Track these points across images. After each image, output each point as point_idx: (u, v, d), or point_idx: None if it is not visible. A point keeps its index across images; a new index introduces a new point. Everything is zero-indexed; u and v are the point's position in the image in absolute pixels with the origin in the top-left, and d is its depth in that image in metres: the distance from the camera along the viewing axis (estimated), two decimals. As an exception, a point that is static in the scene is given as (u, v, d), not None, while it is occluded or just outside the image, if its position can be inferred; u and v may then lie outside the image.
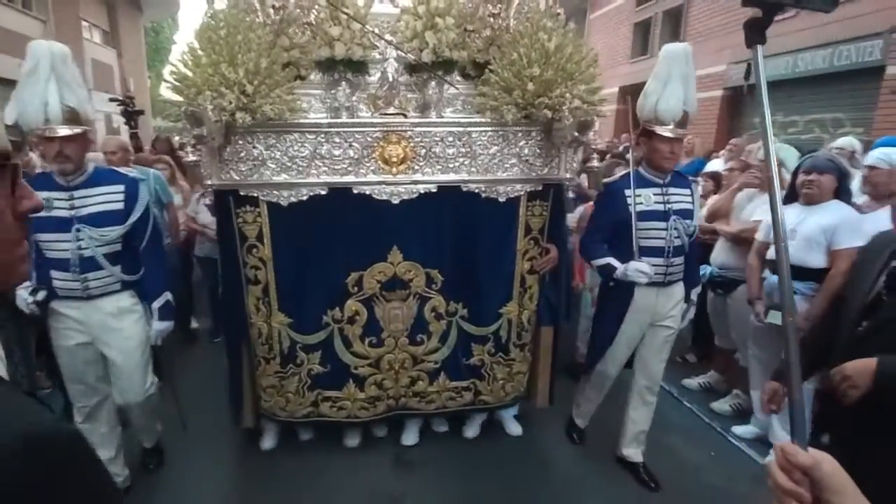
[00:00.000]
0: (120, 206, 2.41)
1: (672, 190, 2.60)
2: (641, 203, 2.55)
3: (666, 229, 2.57)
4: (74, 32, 12.14)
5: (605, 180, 2.73)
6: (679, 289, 2.72)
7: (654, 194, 2.58)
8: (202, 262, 4.26)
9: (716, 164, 5.26)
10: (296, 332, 2.71)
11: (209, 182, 2.45)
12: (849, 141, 4.79)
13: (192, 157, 2.33)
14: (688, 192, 2.65)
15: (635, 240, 2.52)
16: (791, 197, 2.95)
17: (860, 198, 3.12)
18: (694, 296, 2.79)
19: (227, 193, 2.50)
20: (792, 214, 2.87)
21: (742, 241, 3.35)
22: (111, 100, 8.49)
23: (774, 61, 9.71)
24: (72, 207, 2.32)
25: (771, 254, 2.97)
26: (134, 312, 2.51)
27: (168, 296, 2.58)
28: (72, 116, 2.23)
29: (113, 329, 2.45)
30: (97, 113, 11.28)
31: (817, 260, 2.75)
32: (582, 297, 3.91)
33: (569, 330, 3.63)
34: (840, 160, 3.00)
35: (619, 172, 2.92)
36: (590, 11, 16.80)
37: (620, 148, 6.43)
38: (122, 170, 2.70)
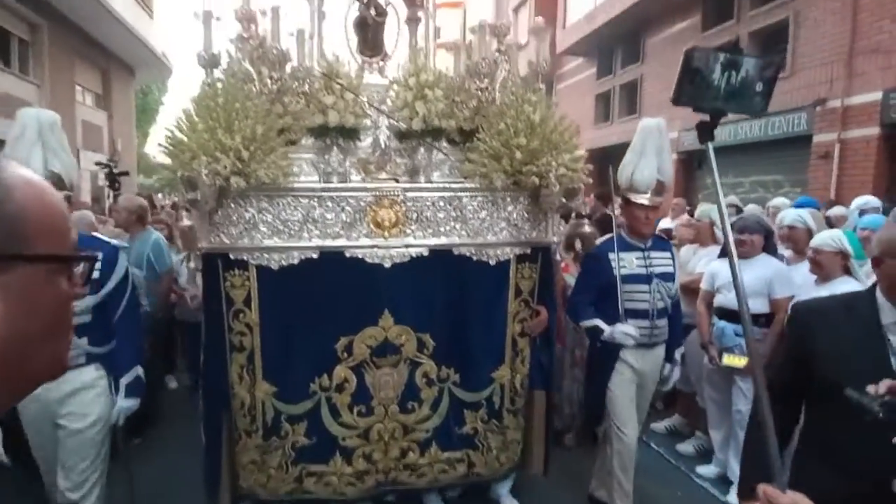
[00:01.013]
0: (95, 275, 2.26)
1: (654, 254, 2.63)
2: (625, 267, 2.55)
3: (649, 292, 2.58)
4: (68, 96, 12.07)
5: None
6: (664, 349, 2.72)
7: (637, 258, 2.60)
8: (181, 326, 4.04)
9: (665, 222, 5.59)
10: (281, 401, 2.50)
11: (199, 245, 2.34)
12: (781, 201, 5.43)
13: (186, 222, 2.23)
14: (668, 255, 2.68)
15: (621, 302, 2.51)
16: (724, 252, 3.17)
17: (787, 251, 3.53)
18: (678, 355, 2.79)
19: (216, 257, 2.38)
20: (727, 268, 3.08)
21: (689, 290, 3.57)
22: (97, 163, 8.40)
23: (718, 130, 10.26)
24: None
25: (717, 301, 3.23)
26: (95, 388, 2.27)
27: (139, 370, 2.36)
28: (56, 182, 2.13)
29: (70, 406, 2.22)
30: (84, 172, 11.09)
31: (760, 307, 3.07)
32: (563, 359, 3.85)
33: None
34: (766, 221, 3.40)
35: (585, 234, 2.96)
36: (557, 83, 17.53)
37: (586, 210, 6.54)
38: (103, 237, 2.56)
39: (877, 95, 8.13)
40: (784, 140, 9.69)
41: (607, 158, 2.77)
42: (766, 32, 10.18)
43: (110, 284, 2.28)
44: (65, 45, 11.71)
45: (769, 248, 3.26)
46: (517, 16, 17.43)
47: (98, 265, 2.25)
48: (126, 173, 8.05)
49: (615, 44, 14.19)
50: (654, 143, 2.55)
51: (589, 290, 2.67)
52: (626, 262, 2.58)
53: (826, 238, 2.89)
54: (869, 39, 8.27)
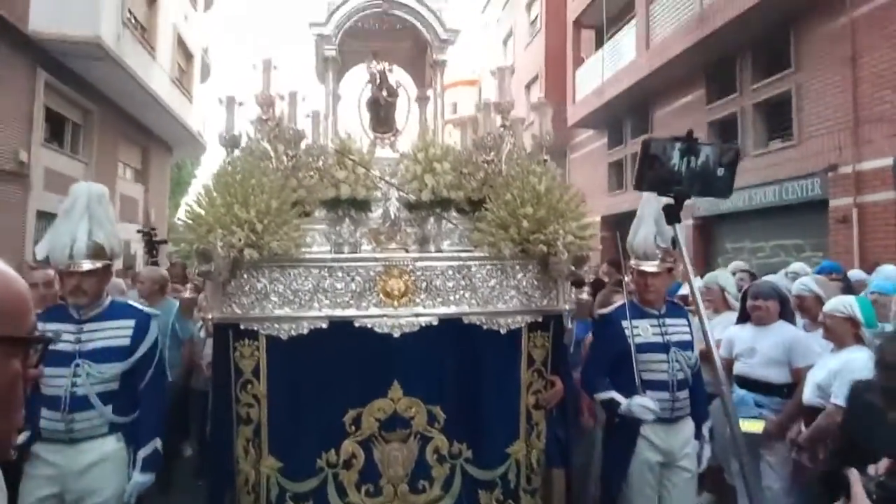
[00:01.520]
0: (126, 341, 2.27)
1: (669, 321, 2.52)
2: (640, 335, 2.44)
3: (667, 361, 2.44)
4: (111, 172, 12.75)
5: (601, 311, 2.65)
6: (688, 425, 2.51)
7: (651, 325, 2.49)
8: (195, 395, 3.96)
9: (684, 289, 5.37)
10: (286, 478, 2.38)
11: (210, 315, 2.33)
12: (800, 266, 5.28)
13: (187, 294, 2.25)
14: (684, 321, 2.56)
15: (637, 373, 2.38)
16: (743, 318, 3.23)
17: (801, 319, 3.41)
18: (706, 431, 2.57)
19: (227, 327, 2.36)
20: (747, 334, 3.13)
21: (706, 358, 3.32)
22: (138, 231, 8.69)
23: (732, 197, 10.24)
24: (77, 341, 2.18)
25: (736, 369, 3.11)
26: (115, 460, 2.21)
27: (157, 443, 2.30)
28: (97, 251, 2.22)
29: (87, 480, 2.14)
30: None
31: (780, 376, 2.97)
32: (594, 436, 3.62)
33: (581, 471, 3.24)
34: (779, 286, 3.29)
35: (618, 301, 2.86)
36: (570, 153, 17.93)
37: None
38: (137, 304, 2.59)
39: (887, 161, 8.10)
40: (800, 205, 9.58)
41: (622, 225, 2.76)
42: (770, 104, 10.35)
43: (140, 351, 2.28)
44: (111, 127, 12.50)
45: (787, 315, 3.15)
46: (529, 92, 18.13)
47: (130, 332, 2.27)
48: (165, 241, 8.29)
49: (624, 116, 14.53)
50: (651, 209, 2.52)
51: (603, 360, 2.55)
52: (641, 330, 2.47)
53: (836, 304, 2.76)
54: (872, 109, 8.35)
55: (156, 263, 7.41)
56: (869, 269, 5.29)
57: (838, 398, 2.42)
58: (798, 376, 2.93)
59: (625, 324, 2.47)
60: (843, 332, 2.67)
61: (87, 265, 2.17)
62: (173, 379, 3.62)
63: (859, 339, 2.64)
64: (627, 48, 13.19)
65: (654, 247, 2.50)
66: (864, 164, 8.46)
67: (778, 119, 10.26)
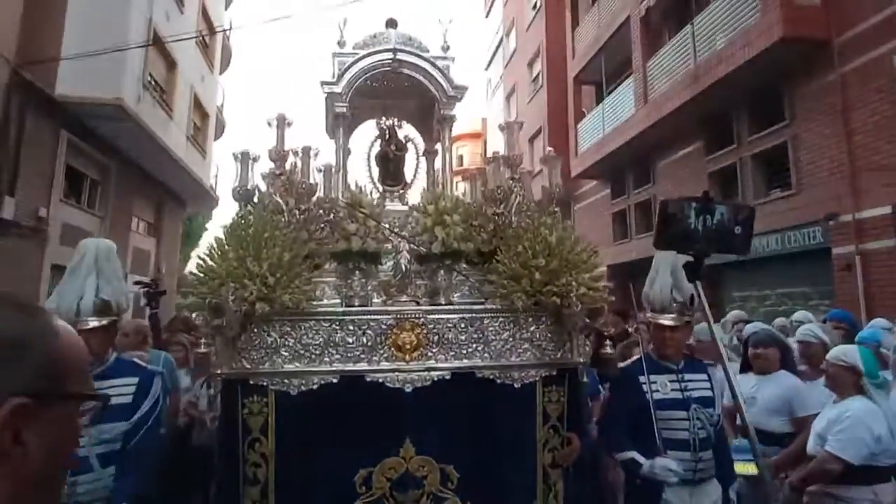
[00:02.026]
0: (128, 399, 2.19)
1: (688, 376, 2.40)
2: (658, 390, 2.33)
3: (688, 419, 2.31)
4: (125, 226, 12.94)
5: (620, 365, 2.55)
6: (713, 487, 2.35)
7: (670, 381, 2.37)
8: (194, 452, 3.76)
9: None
10: None
11: (219, 371, 2.25)
12: (803, 314, 5.33)
13: (202, 350, 2.18)
14: (705, 377, 2.44)
15: (657, 431, 2.25)
16: (744, 367, 3.27)
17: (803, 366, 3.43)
18: (733, 494, 2.41)
19: (237, 383, 2.28)
20: (748, 383, 3.12)
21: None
22: (136, 283, 8.67)
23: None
24: None
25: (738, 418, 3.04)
26: None
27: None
28: (104, 308, 2.19)
29: None
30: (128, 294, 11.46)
31: (780, 426, 2.97)
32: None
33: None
34: (779, 335, 3.34)
35: (636, 355, 2.77)
36: (574, 204, 18.09)
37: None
38: (142, 361, 2.52)
39: (886, 210, 8.12)
40: (803, 253, 9.56)
41: (627, 274, 2.73)
42: (768, 154, 10.49)
43: (143, 409, 2.19)
44: (127, 182, 12.76)
45: (787, 363, 3.17)
46: (532, 145, 18.50)
47: (133, 389, 2.20)
48: (164, 292, 8.24)
49: (626, 167, 14.73)
50: (667, 261, 2.47)
51: (622, 417, 2.42)
52: (659, 386, 2.35)
53: (839, 353, 2.75)
54: (867, 159, 8.47)
55: (155, 315, 7.34)
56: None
57: (831, 445, 2.43)
58: (798, 425, 2.96)
59: (642, 379, 2.36)
60: (844, 381, 2.66)
61: (93, 322, 2.13)
62: (166, 432, 3.47)
63: (860, 389, 2.62)
64: (626, 103, 13.52)
65: (670, 299, 2.43)
66: (864, 213, 8.49)
67: (776, 169, 10.37)
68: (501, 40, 23.88)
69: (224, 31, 17.64)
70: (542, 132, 18.48)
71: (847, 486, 2.39)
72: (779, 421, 2.96)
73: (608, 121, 14.35)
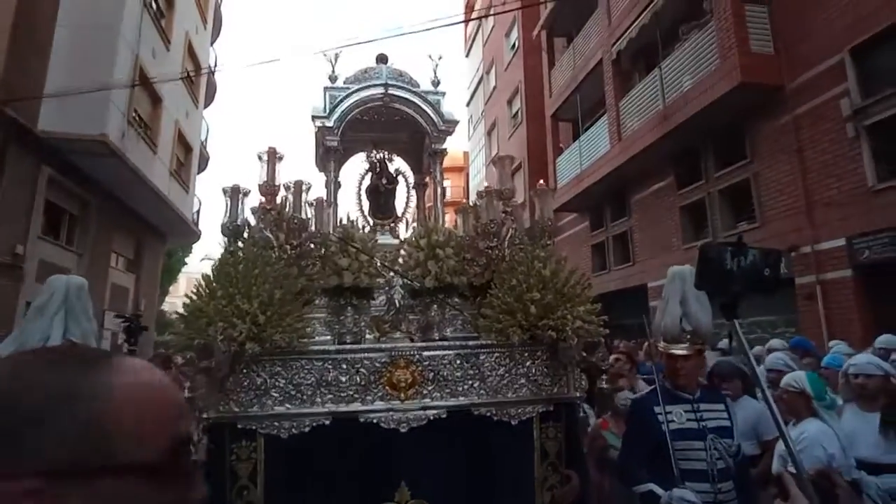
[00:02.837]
0: None
1: (704, 406, 2.32)
2: (673, 421, 2.24)
3: (705, 449, 2.22)
4: (104, 263, 12.46)
5: (632, 396, 2.47)
6: None
7: (685, 411, 2.29)
8: None
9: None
10: None
11: (205, 415, 2.10)
12: (779, 342, 5.67)
13: (188, 394, 2.02)
14: (722, 407, 2.36)
15: (674, 462, 2.15)
16: None
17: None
18: None
19: (224, 427, 2.12)
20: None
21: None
22: (116, 316, 8.32)
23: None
24: None
25: None
26: None
27: None
28: None
29: None
30: (107, 332, 10.98)
31: (748, 448, 2.97)
32: None
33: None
34: (739, 364, 3.43)
35: (625, 368, 2.71)
36: (554, 235, 18.22)
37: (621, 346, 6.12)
38: None
39: (841, 242, 8.40)
40: (769, 283, 9.76)
41: (607, 305, 2.72)
42: (732, 190, 10.80)
43: None
44: (108, 217, 12.33)
45: (749, 389, 3.30)
46: (513, 179, 18.67)
47: None
48: (146, 328, 7.91)
49: (603, 200, 14.97)
50: (675, 290, 2.42)
51: (638, 449, 2.32)
52: (675, 416, 2.27)
53: (788, 380, 2.89)
54: (821, 195, 8.81)
55: (134, 352, 7.01)
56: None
57: (792, 466, 2.45)
58: (765, 447, 3.11)
59: (657, 409, 2.28)
60: (797, 405, 2.78)
61: None
62: None
63: (813, 411, 2.75)
64: (601, 139, 13.85)
65: (680, 329, 2.38)
66: (822, 245, 8.75)
67: (741, 203, 10.65)
68: (482, 78, 24.42)
69: (211, 71, 17.67)
70: (523, 167, 18.75)
71: None
72: (747, 444, 2.99)
73: (585, 156, 14.64)
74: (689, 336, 2.38)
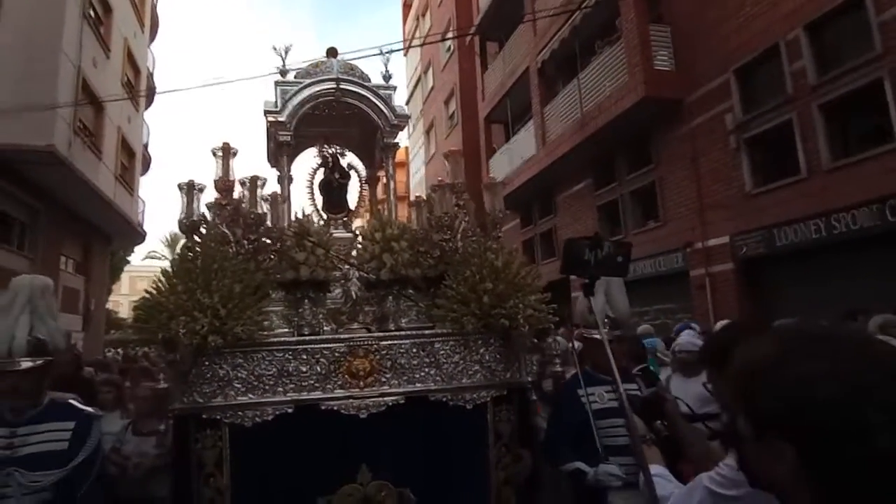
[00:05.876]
0: (63, 445, 1.79)
1: (624, 386, 2.37)
2: (596, 401, 2.27)
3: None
4: (54, 266, 11.47)
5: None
6: None
7: (607, 391, 2.32)
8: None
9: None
10: None
11: (170, 407, 1.91)
12: (645, 328, 5.94)
13: (163, 385, 1.85)
14: (635, 385, 2.41)
15: (598, 439, 2.17)
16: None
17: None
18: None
19: (188, 418, 1.95)
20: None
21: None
22: None
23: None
24: (9, 447, 1.70)
25: None
26: None
27: None
28: (39, 348, 1.80)
29: None
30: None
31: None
32: None
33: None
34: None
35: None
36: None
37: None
38: (78, 404, 2.07)
39: (725, 239, 9.05)
40: (670, 275, 10.42)
41: None
42: (641, 191, 11.34)
43: (80, 457, 1.80)
44: (56, 223, 11.47)
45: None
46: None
47: (69, 435, 1.81)
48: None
49: (532, 200, 15.16)
50: (601, 285, 2.44)
51: (564, 430, 2.32)
52: (597, 397, 2.30)
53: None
54: (711, 198, 9.45)
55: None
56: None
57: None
58: None
59: (580, 392, 2.29)
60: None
61: (26, 363, 1.74)
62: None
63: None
64: (529, 142, 14.03)
65: (604, 318, 2.40)
66: (711, 241, 9.39)
67: (648, 204, 11.20)
68: (420, 77, 23.40)
69: (160, 93, 16.49)
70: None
71: None
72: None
73: (515, 158, 14.74)
74: (607, 322, 2.41)
